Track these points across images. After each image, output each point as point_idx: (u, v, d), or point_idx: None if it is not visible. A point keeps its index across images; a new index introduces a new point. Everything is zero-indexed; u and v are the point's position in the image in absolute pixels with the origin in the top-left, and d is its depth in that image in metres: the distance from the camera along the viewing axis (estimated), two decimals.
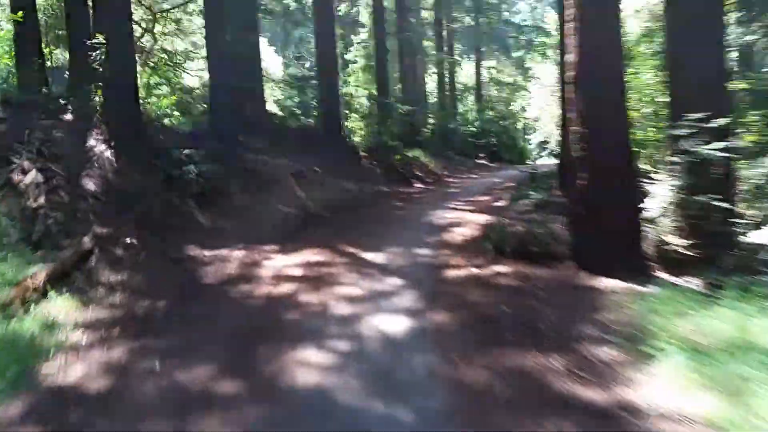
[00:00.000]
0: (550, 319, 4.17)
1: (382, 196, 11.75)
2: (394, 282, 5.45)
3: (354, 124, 17.81)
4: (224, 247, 7.04)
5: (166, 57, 16.43)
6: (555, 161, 24.80)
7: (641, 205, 5.53)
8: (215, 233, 7.85)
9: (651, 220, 5.67)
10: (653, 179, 5.88)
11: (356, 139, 16.89)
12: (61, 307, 4.55)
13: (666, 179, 5.65)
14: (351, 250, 6.97)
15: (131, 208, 7.46)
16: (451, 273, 5.75)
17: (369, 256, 6.56)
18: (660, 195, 5.65)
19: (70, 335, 3.98)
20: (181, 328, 4.18)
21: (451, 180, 15.44)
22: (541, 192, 9.84)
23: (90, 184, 7.48)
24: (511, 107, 31.21)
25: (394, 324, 4.21)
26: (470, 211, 9.60)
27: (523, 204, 9.23)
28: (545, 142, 42.69)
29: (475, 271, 5.75)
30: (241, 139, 11.60)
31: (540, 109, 40.39)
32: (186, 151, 9.55)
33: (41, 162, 7.25)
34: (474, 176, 16.81)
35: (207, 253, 6.67)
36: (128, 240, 6.44)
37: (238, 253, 6.71)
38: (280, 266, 6.10)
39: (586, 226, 5.36)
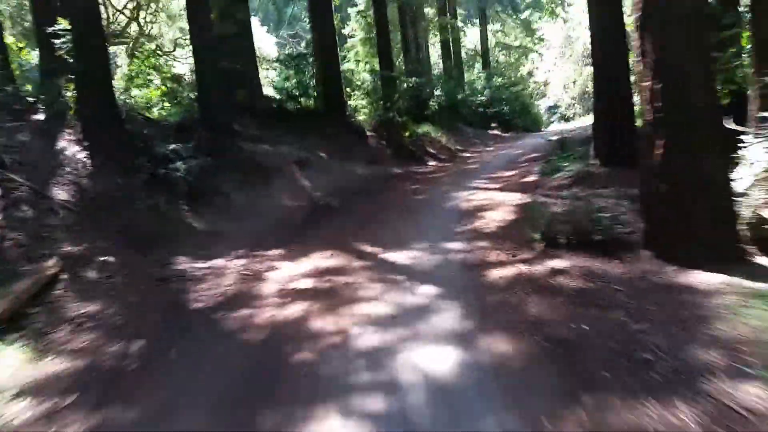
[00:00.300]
0: (652, 341, 3.08)
1: (395, 178, 10.64)
2: (427, 291, 4.39)
3: (357, 101, 16.59)
4: (220, 255, 6.01)
5: (152, 45, 15.35)
6: (569, 126, 23.52)
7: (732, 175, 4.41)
8: (210, 238, 6.81)
9: (742, 193, 4.54)
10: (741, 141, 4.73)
11: (361, 117, 15.71)
12: (8, 361, 3.54)
13: (761, 140, 4.52)
14: (368, 249, 5.91)
15: (110, 217, 6.43)
16: (496, 273, 4.66)
17: (391, 256, 5.50)
18: (754, 160, 4.51)
19: (9, 409, 2.96)
20: (157, 387, 3.14)
21: (466, 155, 14.27)
22: (576, 163, 8.70)
23: (60, 194, 6.43)
24: (519, 72, 29.76)
25: (441, 360, 3.15)
26: (498, 189, 8.48)
27: (559, 178, 8.10)
28: (555, 107, 41.23)
29: (525, 269, 4.66)
30: (236, 127, 10.50)
31: (548, 72, 38.89)
32: (173, 146, 8.49)
33: (0, 172, 6.23)
34: (490, 148, 15.61)
35: (200, 265, 5.63)
36: (104, 258, 5.40)
37: (236, 263, 5.67)
38: (286, 277, 5.05)
39: (665, 206, 4.24)
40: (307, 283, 4.80)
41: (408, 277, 4.76)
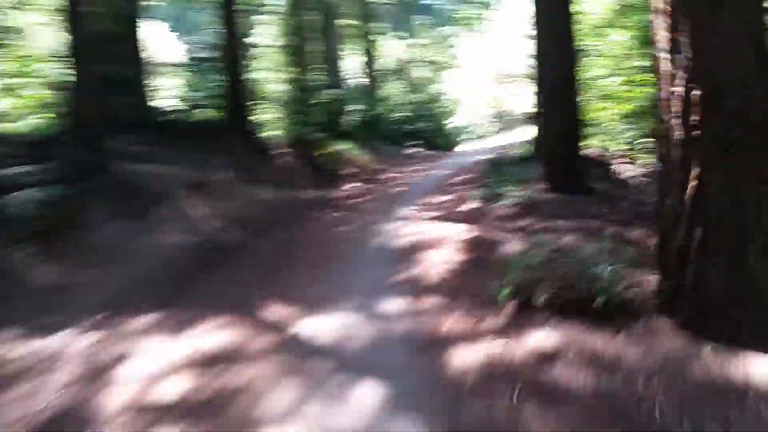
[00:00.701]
0: None
1: (310, 204, 9.10)
2: (367, 398, 2.90)
3: (268, 115, 14.95)
4: (65, 325, 4.24)
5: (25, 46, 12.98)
6: (486, 145, 22.99)
7: None
8: (58, 297, 4.97)
9: None
10: None
11: (272, 133, 14.08)
12: None
13: None
14: (278, 311, 4.35)
15: None
16: (460, 358, 3.28)
17: (309, 325, 3.97)
18: None
19: None
20: None
21: (389, 175, 12.98)
22: (520, 187, 7.60)
23: None
24: (434, 89, 29.17)
25: None
26: (434, 219, 7.17)
27: (504, 206, 6.92)
28: (467, 125, 41.29)
29: (499, 348, 3.31)
30: (113, 144, 8.55)
31: (461, 90, 38.86)
32: (19, 170, 6.53)
33: None
34: (413, 169, 14.43)
35: (28, 347, 3.84)
36: None
37: (82, 342, 3.92)
38: (152, 372, 3.38)
39: (700, 258, 3.04)
40: (182, 386, 3.18)
41: (336, 367, 3.26)
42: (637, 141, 9.00)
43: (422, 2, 22.95)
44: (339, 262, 5.62)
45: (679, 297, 3.16)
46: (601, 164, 9.72)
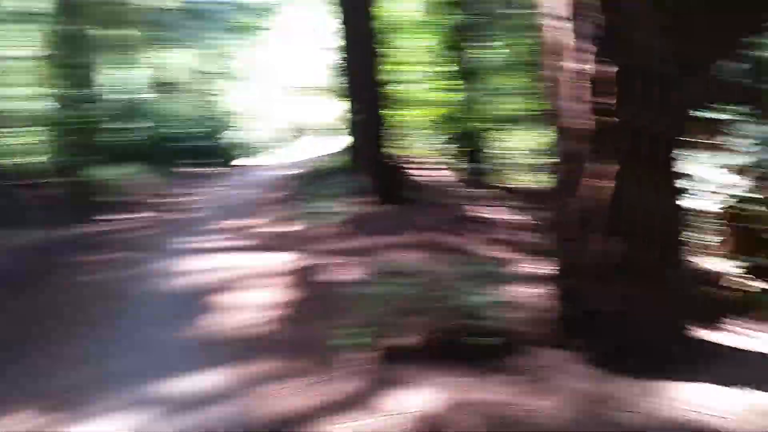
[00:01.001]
0: None
1: (68, 247, 6.90)
2: None
3: (14, 139, 12.04)
4: None
5: None
6: (285, 159, 22.07)
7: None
8: None
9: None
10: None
11: (19, 160, 11.31)
12: None
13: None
14: (15, 427, 2.77)
15: None
16: None
17: None
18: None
19: None
20: None
21: (169, 200, 11.03)
22: (339, 202, 6.75)
23: None
24: (219, 102, 27.32)
25: None
26: (245, 249, 5.87)
27: (330, 224, 5.97)
28: (261, 139, 39.94)
29: (371, 424, 2.31)
30: None
31: (241, 103, 37.29)
32: None
33: None
34: (199, 190, 12.56)
35: None
36: None
37: None
38: None
39: (611, 275, 2.39)
40: None
41: None
42: (446, 145, 8.87)
43: (201, 9, 21.13)
44: (112, 325, 4.05)
45: (586, 326, 2.49)
46: (405, 171, 9.42)
